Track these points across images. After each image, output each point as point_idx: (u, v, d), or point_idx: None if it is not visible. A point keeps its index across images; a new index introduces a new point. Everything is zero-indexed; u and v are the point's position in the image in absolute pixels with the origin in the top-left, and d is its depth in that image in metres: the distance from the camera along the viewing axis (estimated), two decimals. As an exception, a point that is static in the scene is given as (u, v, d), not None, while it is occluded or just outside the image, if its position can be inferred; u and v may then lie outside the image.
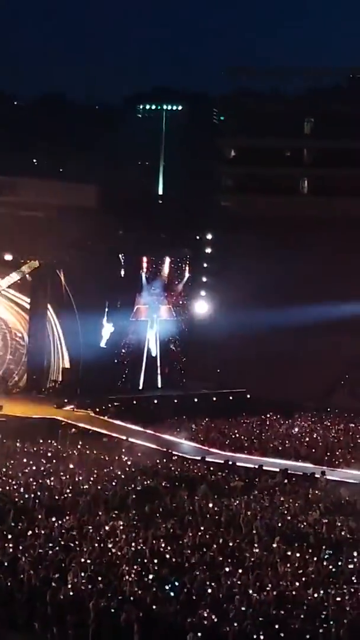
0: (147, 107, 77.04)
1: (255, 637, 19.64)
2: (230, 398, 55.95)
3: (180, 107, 76.67)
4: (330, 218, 66.28)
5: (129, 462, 37.55)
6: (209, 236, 65.15)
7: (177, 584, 22.29)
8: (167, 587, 22.09)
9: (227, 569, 23.86)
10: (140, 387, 57.33)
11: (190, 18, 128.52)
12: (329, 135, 70.67)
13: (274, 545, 26.39)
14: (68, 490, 31.94)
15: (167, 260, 59.18)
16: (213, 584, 22.51)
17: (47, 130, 67.93)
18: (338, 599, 21.76)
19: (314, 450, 42.50)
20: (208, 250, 64.77)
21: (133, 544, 25.60)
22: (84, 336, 53.99)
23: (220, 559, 24.81)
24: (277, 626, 19.97)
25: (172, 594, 21.82)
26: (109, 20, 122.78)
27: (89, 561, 23.71)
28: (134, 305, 57.45)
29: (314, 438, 45.74)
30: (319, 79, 75.75)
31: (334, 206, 67.87)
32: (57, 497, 31.10)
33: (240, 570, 23.68)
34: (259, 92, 74.28)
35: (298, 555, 25.41)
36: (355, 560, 25.31)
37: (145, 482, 33.93)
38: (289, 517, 29.73)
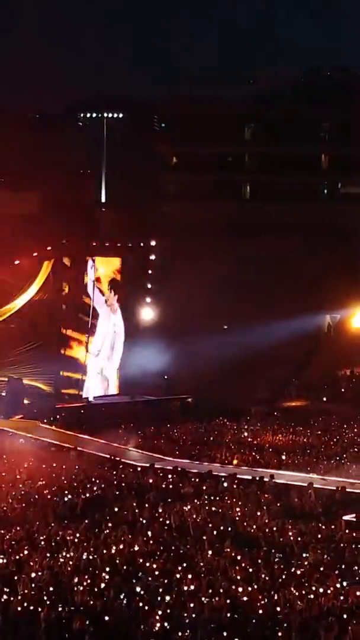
0: (88, 115, 76.99)
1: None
2: (178, 404, 55.96)
3: (121, 115, 76.71)
4: (272, 223, 66.69)
5: (77, 471, 37.40)
6: (153, 243, 65.16)
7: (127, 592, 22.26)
8: (118, 596, 22.03)
9: (178, 576, 23.85)
10: (87, 396, 57.17)
11: (130, 24, 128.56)
12: (269, 141, 71.16)
13: (225, 550, 26.43)
14: (17, 501, 31.76)
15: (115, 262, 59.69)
16: (165, 590, 22.49)
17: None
18: (290, 601, 21.84)
19: (262, 455, 42.61)
20: (152, 257, 64.75)
21: (84, 553, 25.50)
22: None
23: (172, 565, 24.79)
24: (229, 631, 19.96)
25: (123, 602, 21.78)
26: (48, 27, 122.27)
27: (39, 572, 23.59)
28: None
29: (262, 442, 45.84)
30: (259, 85, 76.22)
31: (276, 212, 68.29)
32: (5, 509, 30.90)
33: (191, 576, 23.67)
34: (200, 99, 74.52)
35: (249, 559, 25.47)
36: (305, 562, 25.42)
37: (94, 491, 33.83)
38: (238, 522, 29.77)
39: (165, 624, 20.31)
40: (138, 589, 22.56)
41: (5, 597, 21.91)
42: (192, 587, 22.82)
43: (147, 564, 24.80)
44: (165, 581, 23.35)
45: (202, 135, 71.53)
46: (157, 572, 24.11)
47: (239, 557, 25.58)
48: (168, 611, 21.16)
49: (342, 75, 76.03)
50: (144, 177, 70.93)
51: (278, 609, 21.43)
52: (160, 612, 21.01)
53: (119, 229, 60.58)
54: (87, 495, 33.11)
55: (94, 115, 77.07)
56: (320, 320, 66.59)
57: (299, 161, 70.93)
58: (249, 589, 22.79)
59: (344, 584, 23.43)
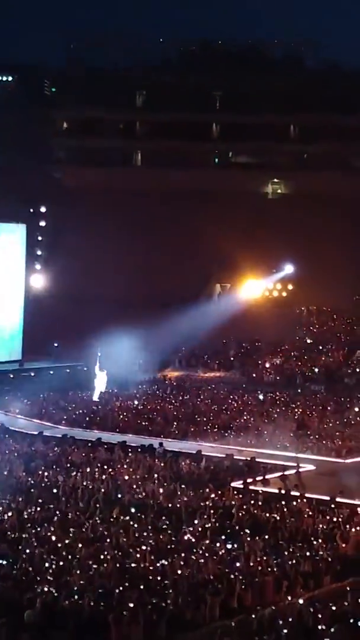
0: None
1: (94, 609, 19.57)
2: (68, 371, 55.60)
3: (10, 78, 75.50)
4: (163, 191, 66.56)
5: None
6: (43, 209, 64.50)
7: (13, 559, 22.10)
8: (3, 563, 21.85)
9: (66, 542, 23.76)
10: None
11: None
12: (161, 108, 70.97)
13: (113, 516, 26.42)
14: None
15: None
16: (52, 557, 22.38)
17: None
18: (177, 568, 21.92)
19: (151, 423, 42.67)
20: (42, 223, 64.13)
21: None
22: None
23: (60, 532, 24.67)
24: (116, 598, 19.95)
25: (11, 569, 21.61)
26: None
27: None
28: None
29: (151, 410, 45.86)
30: (149, 51, 75.95)
31: (167, 179, 68.14)
32: None
33: (80, 543, 23.60)
34: (91, 64, 73.95)
35: (137, 526, 25.50)
36: (193, 528, 25.56)
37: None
38: (128, 489, 29.78)
39: (53, 591, 20.20)
40: (25, 556, 22.41)
41: None
42: (81, 554, 22.77)
43: (35, 531, 24.66)
44: (54, 548, 23.26)
45: (94, 101, 70.97)
46: (45, 539, 24.00)
47: (127, 524, 25.61)
48: (56, 578, 21.07)
49: (233, 44, 76.23)
50: (34, 142, 69.97)
51: (166, 575, 21.51)
52: (47, 579, 20.91)
53: (9, 194, 59.61)
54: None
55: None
56: (210, 289, 66.82)
57: (191, 129, 70.89)
58: (138, 555, 22.83)
59: (230, 548, 23.67)
